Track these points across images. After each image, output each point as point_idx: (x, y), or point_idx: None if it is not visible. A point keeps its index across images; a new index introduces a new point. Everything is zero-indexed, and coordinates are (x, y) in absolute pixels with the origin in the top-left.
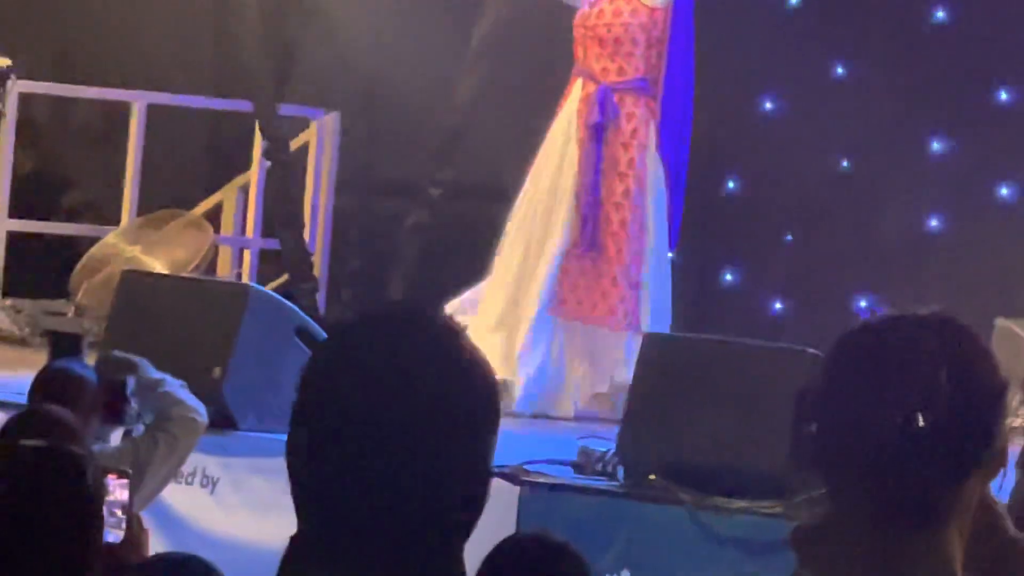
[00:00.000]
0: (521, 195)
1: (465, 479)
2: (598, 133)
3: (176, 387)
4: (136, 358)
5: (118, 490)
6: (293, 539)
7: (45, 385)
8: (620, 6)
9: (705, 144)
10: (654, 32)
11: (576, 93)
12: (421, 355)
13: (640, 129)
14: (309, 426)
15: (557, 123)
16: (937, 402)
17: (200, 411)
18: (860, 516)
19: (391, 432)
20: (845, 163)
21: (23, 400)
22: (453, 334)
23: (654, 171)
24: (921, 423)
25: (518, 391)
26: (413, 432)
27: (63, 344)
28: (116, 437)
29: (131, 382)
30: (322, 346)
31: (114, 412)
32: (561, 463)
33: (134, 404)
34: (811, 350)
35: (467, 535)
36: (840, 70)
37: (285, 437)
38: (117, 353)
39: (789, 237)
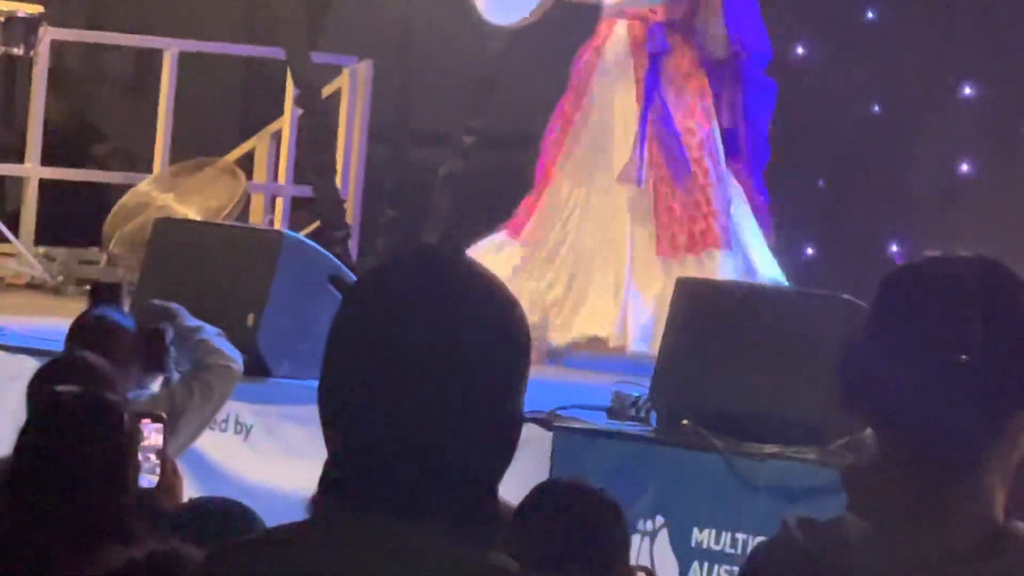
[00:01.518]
0: (558, 140)
1: (497, 421)
2: (655, 63)
3: (213, 335)
4: (174, 306)
5: (153, 434)
6: (323, 481)
7: (82, 332)
8: None
9: None
10: None
11: (620, 32)
12: (451, 297)
13: (694, 58)
14: (340, 370)
15: (588, 67)
16: (979, 343)
17: (236, 359)
18: (904, 459)
19: (422, 374)
20: (876, 108)
21: (57, 348)
22: (483, 277)
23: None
24: (963, 364)
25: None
26: (444, 374)
27: (103, 293)
28: (156, 385)
29: (170, 330)
30: (352, 290)
31: (153, 360)
32: (594, 408)
33: (172, 352)
34: (845, 295)
35: (499, 478)
36: (870, 14)
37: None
38: (156, 301)
39: (821, 182)
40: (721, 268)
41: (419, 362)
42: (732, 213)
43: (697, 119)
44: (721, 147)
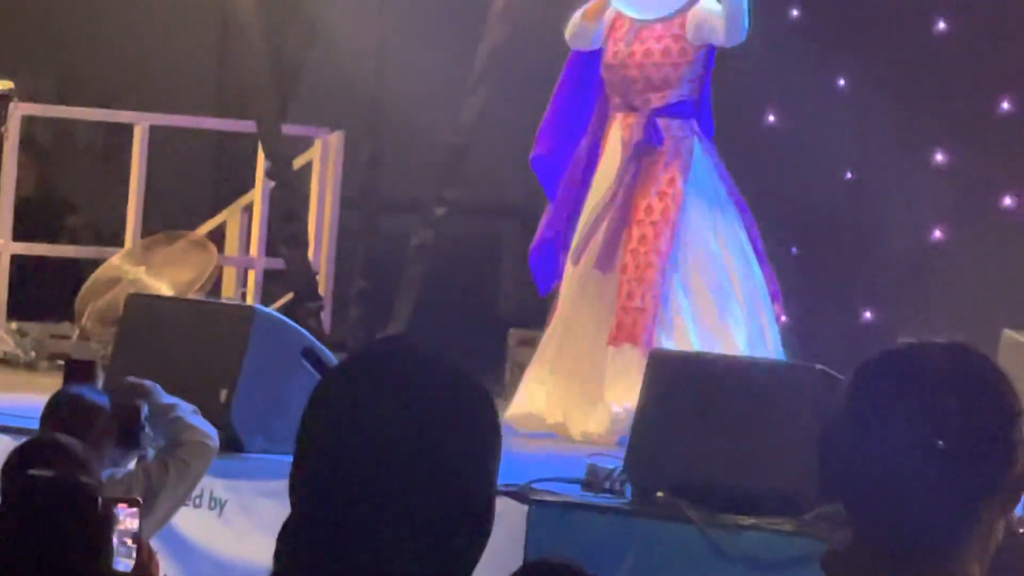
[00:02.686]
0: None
1: (469, 507)
2: (638, 152)
3: (188, 412)
4: (148, 383)
5: (128, 519)
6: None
7: (57, 412)
8: (651, 46)
9: None
10: (695, 60)
11: (616, 132)
12: (421, 387)
13: (682, 149)
14: (311, 456)
15: (601, 168)
16: (955, 429)
17: (212, 436)
18: (881, 543)
19: (392, 464)
20: (849, 175)
21: (30, 424)
22: (451, 367)
23: (696, 193)
24: (939, 450)
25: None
26: (415, 463)
27: (77, 370)
28: (131, 463)
29: (145, 407)
30: (323, 380)
31: (128, 438)
32: (569, 481)
33: (147, 431)
34: (819, 365)
35: (474, 561)
36: (842, 82)
37: (291, 459)
38: (130, 379)
39: (794, 250)
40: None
41: (390, 451)
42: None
43: (667, 202)
44: (692, 234)
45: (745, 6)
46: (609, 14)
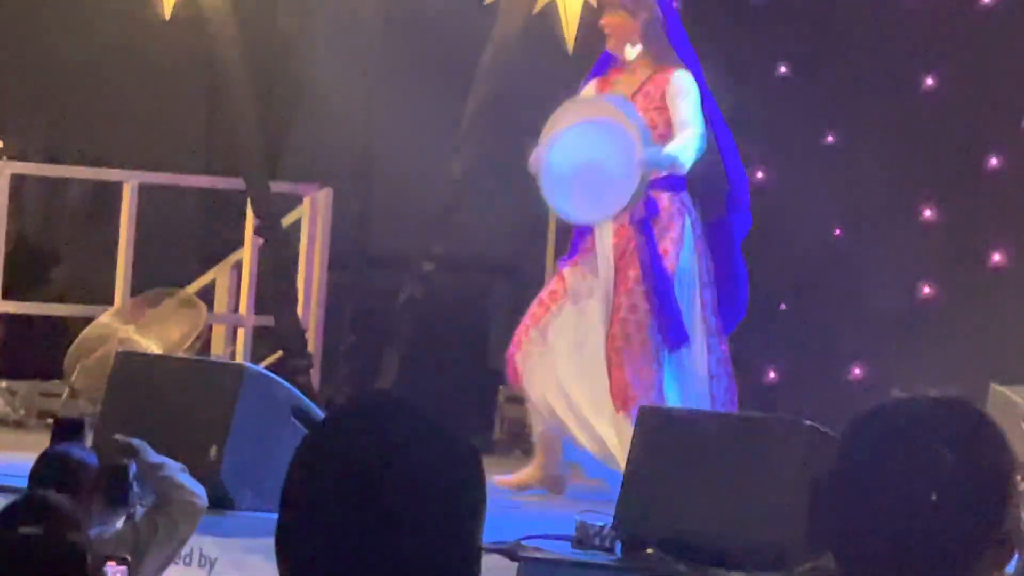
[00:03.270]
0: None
1: (456, 563)
2: (646, 227)
3: (176, 470)
4: (137, 441)
5: None
6: None
7: (46, 470)
8: (653, 116)
9: None
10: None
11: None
12: (407, 444)
13: (674, 223)
14: (298, 512)
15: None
16: (947, 482)
17: (200, 495)
18: None
19: (378, 518)
20: (837, 231)
21: (20, 483)
22: (436, 424)
23: (690, 265)
24: (931, 504)
25: None
26: (400, 517)
27: (66, 428)
28: (119, 521)
29: (133, 466)
30: (308, 437)
31: (117, 497)
32: (559, 538)
33: (136, 488)
34: (807, 421)
35: None
36: (831, 138)
37: None
38: (118, 437)
39: (783, 306)
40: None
41: (375, 508)
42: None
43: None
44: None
45: (696, 144)
46: (594, 83)
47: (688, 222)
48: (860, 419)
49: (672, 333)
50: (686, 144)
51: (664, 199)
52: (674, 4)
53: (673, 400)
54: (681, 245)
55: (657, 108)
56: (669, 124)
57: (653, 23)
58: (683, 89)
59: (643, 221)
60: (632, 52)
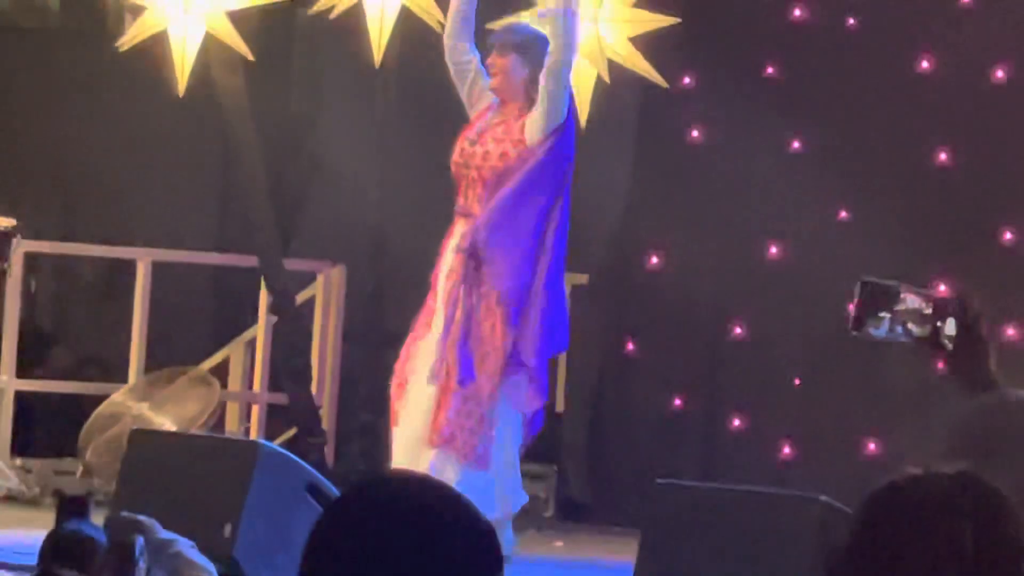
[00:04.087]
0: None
1: None
2: (475, 263)
3: (187, 547)
4: (145, 519)
5: None
6: None
7: (55, 548)
8: (507, 148)
9: (711, 290)
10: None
11: (456, 236)
12: (420, 519)
13: (514, 271)
14: None
15: (441, 268)
16: (963, 562)
17: (211, 572)
18: None
19: None
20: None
21: (32, 561)
22: (453, 498)
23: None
24: None
25: None
26: None
27: (69, 505)
28: None
29: (139, 542)
30: (323, 515)
31: (123, 573)
32: None
33: (142, 565)
34: (822, 497)
35: None
36: (844, 214)
37: None
38: (125, 514)
39: (797, 381)
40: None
41: None
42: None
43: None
44: None
45: (567, 88)
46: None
47: None
48: (875, 494)
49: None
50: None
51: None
52: (685, 79)
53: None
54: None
55: (515, 141)
56: (523, 157)
57: (539, 71)
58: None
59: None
60: (513, 95)
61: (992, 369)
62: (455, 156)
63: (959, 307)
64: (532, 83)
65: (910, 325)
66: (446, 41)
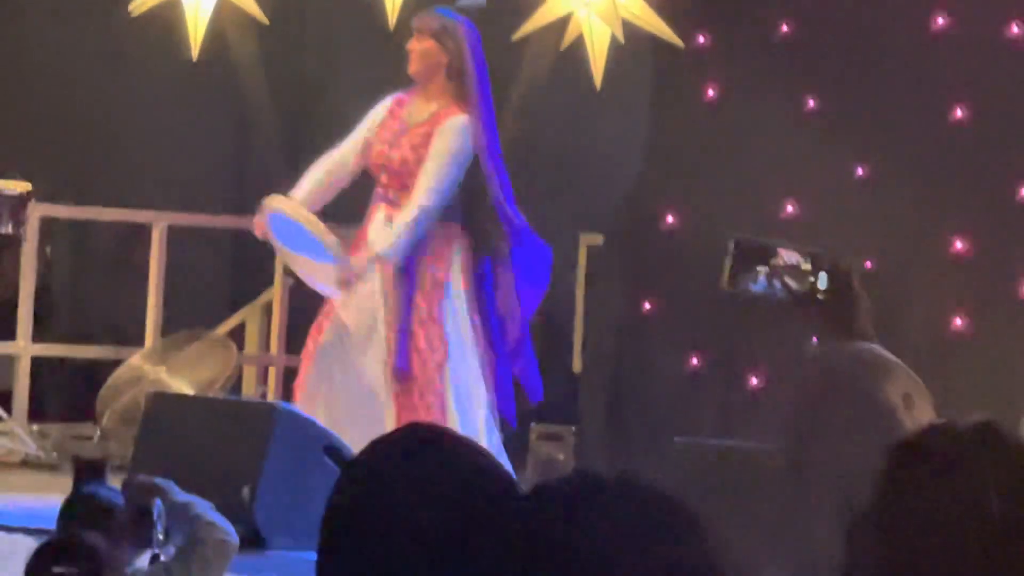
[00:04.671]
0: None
1: None
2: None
3: (206, 509)
4: (162, 481)
5: None
6: None
7: (73, 511)
8: (423, 154)
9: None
10: None
11: (379, 220)
12: (440, 475)
13: (444, 252)
14: (336, 551)
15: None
16: (986, 513)
17: (231, 532)
18: None
19: (417, 554)
20: (868, 264)
21: (51, 526)
22: (476, 452)
23: (457, 292)
24: (979, 527)
25: None
26: (439, 552)
27: (86, 469)
28: (144, 561)
29: (158, 505)
30: (343, 474)
31: (141, 537)
32: None
33: (160, 527)
34: None
35: None
36: (860, 171)
37: (315, 556)
38: (142, 477)
39: (815, 338)
40: None
41: (414, 543)
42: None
43: (432, 303)
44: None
45: (414, 229)
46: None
47: (458, 249)
48: (895, 448)
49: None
50: (399, 231)
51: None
52: (700, 38)
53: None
54: (450, 269)
55: (420, 146)
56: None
57: (458, 58)
58: (445, 144)
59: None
60: (432, 80)
61: (862, 322)
62: (373, 158)
63: (833, 264)
64: (451, 68)
65: (788, 280)
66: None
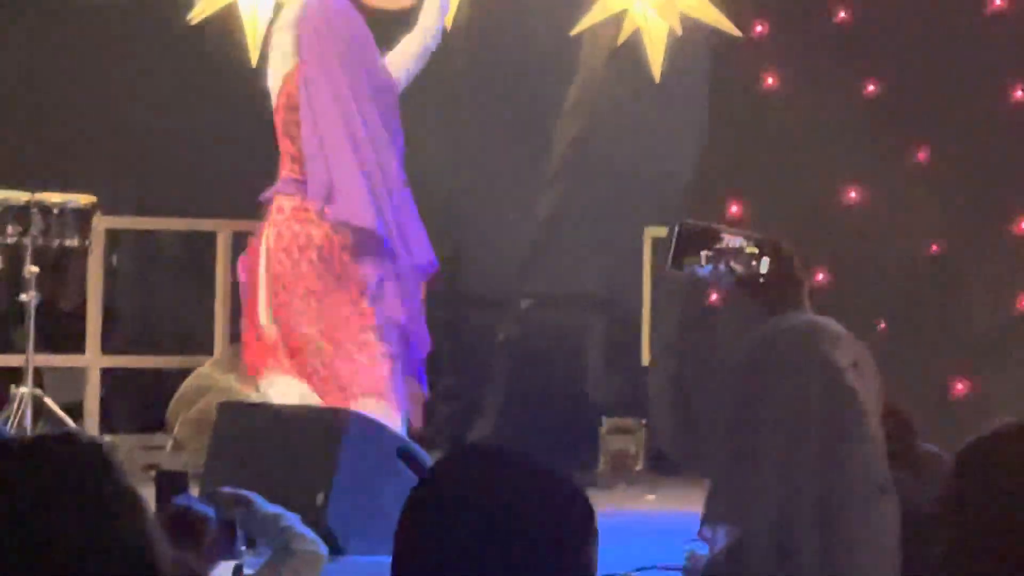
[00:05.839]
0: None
1: None
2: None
3: (295, 521)
4: (249, 493)
5: None
6: None
7: (170, 525)
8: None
9: (791, 236)
10: None
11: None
12: (510, 491)
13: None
14: (412, 561)
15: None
16: None
17: (320, 544)
18: None
19: (492, 564)
20: (933, 247)
21: None
22: (543, 469)
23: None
24: None
25: None
26: (510, 564)
27: (168, 482)
28: (226, 572)
29: (240, 516)
30: (415, 490)
31: (225, 548)
32: (669, 569)
33: (243, 540)
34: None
35: None
36: (921, 154)
37: (390, 560)
38: (227, 489)
39: (882, 325)
40: None
41: (485, 555)
42: None
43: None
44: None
45: None
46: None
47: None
48: (968, 447)
49: None
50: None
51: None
52: (757, 28)
53: None
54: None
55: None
56: None
57: None
58: None
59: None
60: None
61: (804, 300)
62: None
63: (774, 247)
64: None
65: (733, 263)
66: None
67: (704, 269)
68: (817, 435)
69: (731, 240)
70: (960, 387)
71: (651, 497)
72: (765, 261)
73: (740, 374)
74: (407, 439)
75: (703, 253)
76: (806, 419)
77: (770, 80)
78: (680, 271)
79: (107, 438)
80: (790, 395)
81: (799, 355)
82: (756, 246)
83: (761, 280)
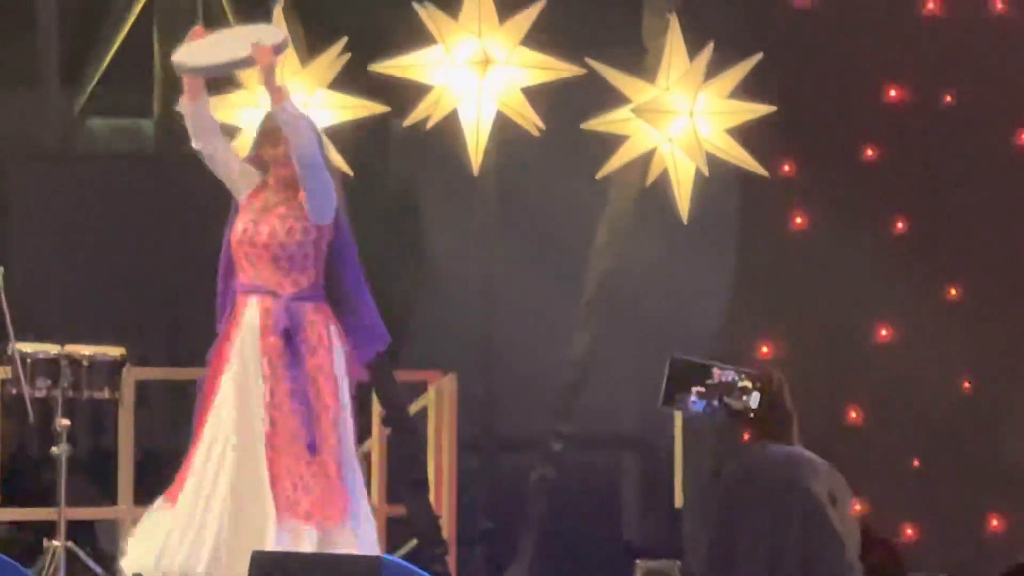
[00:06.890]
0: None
1: None
2: (289, 338)
3: None
4: None
5: None
6: None
7: None
8: (293, 223)
9: (823, 375)
10: (322, 245)
11: (252, 310)
12: None
13: (323, 333)
14: None
15: (232, 346)
16: None
17: None
18: None
19: None
20: (965, 383)
21: None
22: None
23: (341, 366)
24: None
25: None
26: None
27: None
28: None
29: None
30: None
31: None
32: None
33: None
34: None
35: None
36: (952, 290)
37: None
38: None
39: (916, 462)
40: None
41: None
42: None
43: (322, 384)
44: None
45: (327, 182)
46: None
47: (333, 329)
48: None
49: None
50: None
51: (308, 309)
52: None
53: None
54: (331, 349)
55: (298, 217)
56: (309, 232)
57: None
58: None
59: (287, 331)
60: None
61: (791, 431)
62: (237, 235)
63: (765, 381)
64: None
65: (727, 399)
66: (194, 145)
67: (697, 405)
68: (797, 562)
69: (723, 375)
70: (995, 523)
71: None
72: (755, 396)
73: (723, 501)
74: None
75: (695, 389)
76: (784, 542)
77: (798, 219)
78: (673, 407)
79: None
80: (770, 522)
81: (778, 485)
82: (748, 380)
83: (752, 415)
